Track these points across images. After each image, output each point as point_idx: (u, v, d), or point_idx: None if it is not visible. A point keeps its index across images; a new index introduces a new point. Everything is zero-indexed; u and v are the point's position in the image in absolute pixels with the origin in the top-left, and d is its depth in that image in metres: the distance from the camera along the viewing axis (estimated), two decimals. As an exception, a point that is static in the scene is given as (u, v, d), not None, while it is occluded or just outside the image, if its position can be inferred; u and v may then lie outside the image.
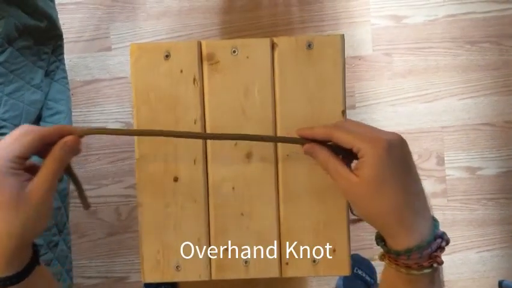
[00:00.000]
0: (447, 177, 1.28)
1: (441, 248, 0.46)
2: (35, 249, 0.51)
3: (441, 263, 0.46)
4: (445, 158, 1.28)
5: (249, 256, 0.56)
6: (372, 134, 0.46)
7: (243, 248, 0.56)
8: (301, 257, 0.56)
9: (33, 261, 0.49)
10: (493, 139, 1.28)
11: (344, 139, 0.47)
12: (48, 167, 0.47)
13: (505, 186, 1.28)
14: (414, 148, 1.27)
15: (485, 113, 1.28)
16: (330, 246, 0.56)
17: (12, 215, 0.45)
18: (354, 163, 0.48)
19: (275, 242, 0.56)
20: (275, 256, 0.56)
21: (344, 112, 0.55)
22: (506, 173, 1.28)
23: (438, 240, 0.46)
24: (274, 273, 0.57)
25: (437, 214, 1.28)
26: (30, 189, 0.46)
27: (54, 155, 0.47)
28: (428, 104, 1.28)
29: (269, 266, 0.56)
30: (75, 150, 0.49)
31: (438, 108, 1.28)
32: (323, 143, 0.49)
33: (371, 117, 1.27)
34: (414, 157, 1.27)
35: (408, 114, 1.28)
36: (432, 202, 1.29)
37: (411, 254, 0.45)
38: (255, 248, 0.56)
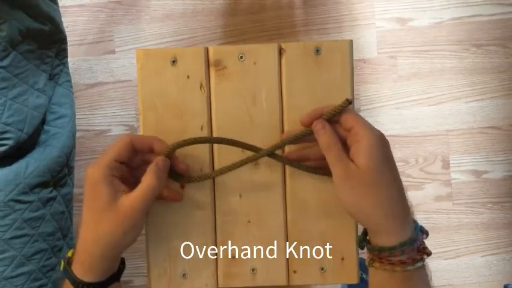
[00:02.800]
0: (452, 181, 1.28)
1: (422, 241, 0.48)
2: (121, 266, 0.52)
3: (430, 253, 0.47)
4: (450, 162, 1.27)
5: (256, 264, 0.56)
6: (371, 124, 0.48)
7: (250, 255, 0.56)
8: (309, 265, 0.56)
9: (114, 277, 0.50)
10: (498, 142, 1.27)
11: (349, 117, 0.48)
12: (144, 183, 0.48)
13: (511, 189, 1.27)
14: (420, 151, 1.26)
15: (491, 116, 1.27)
16: (338, 254, 0.56)
17: (101, 223, 0.47)
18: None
19: (282, 249, 0.56)
20: (283, 264, 0.56)
21: (352, 118, 0.54)
22: (512, 176, 1.28)
23: (420, 233, 0.47)
24: (281, 281, 0.56)
25: (442, 218, 1.28)
26: (123, 201, 0.47)
27: (150, 172, 0.48)
28: (433, 107, 1.27)
29: (277, 274, 0.56)
30: (166, 167, 0.50)
31: (443, 112, 1.27)
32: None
33: (375, 120, 1.26)
34: (420, 160, 1.27)
35: (413, 118, 1.27)
36: (438, 206, 1.28)
37: (405, 247, 0.45)
38: (262, 256, 0.56)
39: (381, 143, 0.46)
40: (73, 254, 0.49)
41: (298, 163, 0.53)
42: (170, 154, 0.51)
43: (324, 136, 0.48)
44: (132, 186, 0.48)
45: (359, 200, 0.46)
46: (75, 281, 0.48)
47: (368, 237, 0.50)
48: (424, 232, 0.48)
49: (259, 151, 0.52)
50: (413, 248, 0.46)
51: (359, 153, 0.46)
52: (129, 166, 0.50)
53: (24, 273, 0.78)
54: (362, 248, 0.50)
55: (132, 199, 0.47)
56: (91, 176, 0.47)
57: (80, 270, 0.48)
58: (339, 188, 0.47)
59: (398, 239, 0.45)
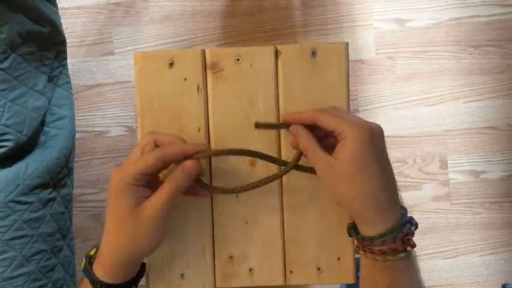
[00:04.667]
0: (450, 181, 1.28)
1: (411, 233, 0.48)
2: (141, 269, 0.53)
3: (414, 245, 0.48)
4: (449, 162, 1.28)
5: (253, 264, 0.56)
6: (356, 119, 0.49)
7: (247, 256, 0.56)
8: (305, 265, 0.56)
9: (134, 280, 0.51)
10: (496, 142, 1.27)
11: (329, 121, 0.48)
12: (164, 189, 0.48)
13: (509, 189, 1.28)
14: (418, 152, 1.27)
15: (489, 116, 1.27)
16: (335, 254, 0.56)
17: (123, 230, 0.47)
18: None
19: (279, 250, 0.56)
20: (280, 264, 0.56)
21: (348, 120, 0.55)
22: (510, 176, 1.28)
23: (408, 225, 0.48)
24: (278, 281, 0.56)
25: (441, 218, 1.28)
26: (145, 208, 0.47)
27: (173, 177, 0.48)
28: (432, 107, 1.27)
29: (274, 274, 0.56)
30: (195, 174, 0.49)
31: (441, 112, 1.27)
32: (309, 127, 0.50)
33: (374, 120, 1.25)
34: (418, 160, 1.27)
35: (412, 118, 1.27)
36: (436, 206, 1.28)
37: (386, 238, 0.46)
38: (259, 256, 0.56)
39: (366, 136, 0.46)
40: (95, 253, 0.50)
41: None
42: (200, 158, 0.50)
43: (299, 139, 0.50)
44: (157, 187, 0.49)
45: (340, 192, 0.48)
46: (94, 281, 0.48)
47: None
48: (413, 224, 0.49)
49: (285, 164, 0.53)
50: (394, 239, 0.47)
51: (341, 149, 0.47)
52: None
53: (24, 274, 0.78)
54: (351, 236, 0.51)
55: (153, 204, 0.47)
56: (115, 184, 0.47)
57: (100, 271, 0.49)
58: (323, 183, 0.49)
59: (378, 230, 0.47)
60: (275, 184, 0.56)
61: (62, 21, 0.90)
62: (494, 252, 1.29)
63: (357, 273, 1.26)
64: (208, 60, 0.55)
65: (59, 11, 0.89)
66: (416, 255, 0.50)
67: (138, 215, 0.47)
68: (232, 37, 1.28)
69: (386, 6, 1.27)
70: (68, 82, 0.93)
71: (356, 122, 0.47)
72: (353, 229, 0.50)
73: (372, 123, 0.49)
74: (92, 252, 0.50)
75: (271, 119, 0.55)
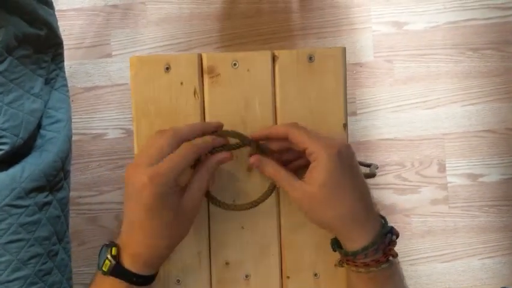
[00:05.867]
0: (448, 184, 1.28)
1: (392, 242, 0.50)
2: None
3: (396, 255, 0.50)
4: (446, 165, 1.28)
5: (249, 270, 0.56)
6: (325, 139, 0.50)
7: (243, 261, 0.56)
8: (302, 271, 0.56)
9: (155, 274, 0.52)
10: (494, 146, 1.27)
11: (300, 139, 0.49)
12: (200, 178, 0.50)
13: (507, 193, 1.28)
14: (416, 155, 1.26)
15: (487, 119, 1.27)
16: (332, 260, 0.56)
17: (173, 229, 0.49)
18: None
19: (276, 255, 0.56)
20: (276, 270, 0.56)
21: (345, 126, 0.55)
22: (508, 180, 1.28)
23: (389, 235, 0.50)
24: (275, 287, 0.56)
25: (438, 221, 1.28)
26: (186, 203, 0.48)
27: (206, 167, 0.50)
28: (430, 110, 1.27)
29: (270, 280, 0.56)
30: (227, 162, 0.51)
31: (439, 115, 1.27)
32: (269, 155, 0.52)
33: (372, 123, 1.27)
34: (416, 164, 1.27)
35: (410, 121, 1.27)
36: (434, 209, 1.28)
37: (368, 251, 0.48)
38: (255, 262, 0.56)
39: (335, 158, 0.47)
40: (116, 252, 0.50)
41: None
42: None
43: (265, 171, 0.51)
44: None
45: (318, 216, 0.50)
46: (132, 276, 0.49)
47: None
48: (394, 233, 0.50)
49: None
50: (376, 251, 0.48)
51: (312, 174, 0.48)
52: None
53: (20, 278, 0.78)
54: (335, 251, 0.53)
55: (194, 199, 0.49)
56: (157, 191, 0.46)
57: (134, 266, 0.49)
58: (299, 209, 0.52)
59: (359, 245, 0.48)
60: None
61: (60, 23, 0.90)
62: (493, 256, 1.29)
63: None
64: (205, 65, 0.55)
65: (57, 13, 0.89)
66: (398, 262, 0.51)
67: (182, 212, 0.48)
68: (230, 40, 1.28)
69: (384, 10, 1.27)
70: (65, 85, 0.93)
71: (325, 144, 0.48)
72: (335, 244, 0.52)
73: (340, 143, 0.50)
74: (114, 252, 0.50)
75: (268, 124, 0.55)
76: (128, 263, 0.49)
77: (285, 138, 0.51)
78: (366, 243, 0.48)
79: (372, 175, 0.56)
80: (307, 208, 0.50)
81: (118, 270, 0.49)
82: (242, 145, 0.53)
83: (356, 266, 0.49)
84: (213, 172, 0.51)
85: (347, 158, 0.49)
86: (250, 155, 0.52)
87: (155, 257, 0.50)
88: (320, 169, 0.47)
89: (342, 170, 0.48)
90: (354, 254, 0.49)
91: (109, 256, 0.49)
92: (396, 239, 0.50)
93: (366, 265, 0.49)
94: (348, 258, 0.50)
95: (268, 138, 0.53)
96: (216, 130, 0.52)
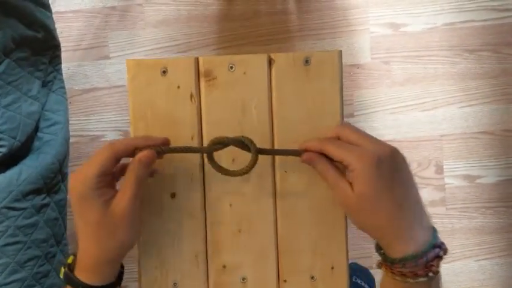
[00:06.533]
0: (446, 186, 1.28)
1: (438, 258, 0.47)
2: (121, 270, 0.53)
3: (437, 272, 0.47)
4: (444, 167, 1.28)
5: (246, 273, 0.56)
6: (362, 149, 0.47)
7: (240, 265, 0.56)
8: (299, 274, 0.56)
9: (116, 281, 0.52)
10: (491, 147, 1.28)
11: (335, 153, 0.49)
12: (127, 183, 0.48)
13: (504, 194, 1.28)
14: (414, 156, 1.27)
15: (484, 121, 1.28)
16: (328, 263, 0.56)
17: (101, 233, 0.48)
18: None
19: (273, 258, 0.56)
20: (273, 273, 0.56)
21: (341, 128, 0.55)
22: (505, 181, 1.28)
23: (436, 250, 0.47)
24: (272, 290, 0.56)
25: (436, 223, 1.26)
26: (115, 206, 0.47)
27: (130, 170, 0.49)
28: (427, 112, 1.28)
29: (267, 283, 0.56)
30: (149, 162, 0.49)
31: (437, 117, 1.28)
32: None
33: (369, 125, 1.27)
34: (414, 165, 1.27)
35: (407, 123, 1.28)
36: (431, 211, 1.28)
37: (406, 262, 0.46)
38: (252, 265, 0.56)
39: (372, 169, 0.46)
40: (73, 261, 0.50)
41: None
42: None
43: (316, 167, 0.50)
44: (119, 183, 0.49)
45: (358, 220, 0.49)
46: (79, 285, 0.48)
47: None
48: (442, 249, 0.47)
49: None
50: (416, 263, 0.46)
51: (354, 182, 0.47)
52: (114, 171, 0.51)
53: (17, 280, 0.78)
54: (376, 251, 0.51)
55: (121, 201, 0.48)
56: (77, 192, 0.47)
57: (83, 274, 0.49)
58: (343, 208, 0.52)
59: (399, 254, 0.47)
60: (269, 192, 0.55)
61: (58, 25, 0.90)
62: (490, 257, 1.29)
63: (352, 276, 1.26)
64: (202, 68, 0.55)
65: (55, 15, 0.89)
66: (441, 278, 0.49)
67: (110, 215, 0.47)
68: (228, 41, 1.28)
69: (382, 11, 1.28)
70: (63, 87, 0.93)
71: (361, 153, 0.47)
72: (378, 247, 0.50)
73: (382, 146, 0.48)
74: (70, 260, 0.50)
75: (265, 128, 0.55)
76: (77, 271, 0.49)
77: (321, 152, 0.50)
78: (406, 255, 0.46)
79: None
80: (348, 212, 0.50)
81: (68, 279, 0.49)
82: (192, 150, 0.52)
83: (392, 272, 0.48)
84: (142, 174, 0.49)
85: (387, 167, 0.46)
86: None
87: (93, 264, 0.49)
88: (356, 181, 0.46)
89: (380, 180, 0.46)
90: (392, 261, 0.47)
91: (64, 264, 0.50)
92: (445, 255, 0.48)
93: (402, 275, 0.47)
94: (386, 264, 0.49)
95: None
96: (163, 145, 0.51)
